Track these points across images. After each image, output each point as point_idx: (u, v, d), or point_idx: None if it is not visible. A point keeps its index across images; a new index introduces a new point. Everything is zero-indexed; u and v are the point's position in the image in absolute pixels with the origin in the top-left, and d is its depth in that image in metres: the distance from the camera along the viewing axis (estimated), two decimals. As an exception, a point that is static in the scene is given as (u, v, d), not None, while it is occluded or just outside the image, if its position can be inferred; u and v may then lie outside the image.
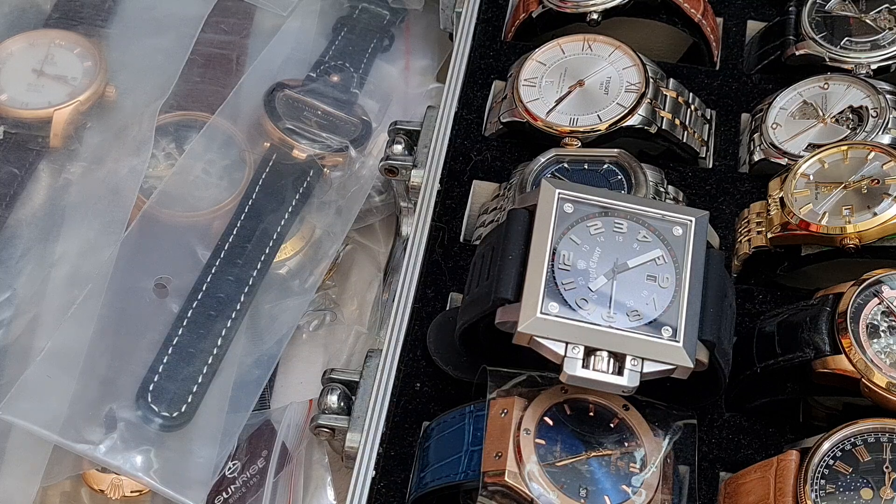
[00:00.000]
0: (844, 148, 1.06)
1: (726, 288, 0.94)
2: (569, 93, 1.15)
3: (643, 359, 0.87)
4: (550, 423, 0.90)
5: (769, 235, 1.05)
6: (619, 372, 0.87)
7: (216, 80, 1.31)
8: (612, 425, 0.91)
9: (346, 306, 1.25)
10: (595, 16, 1.19)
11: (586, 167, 1.09)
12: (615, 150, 1.09)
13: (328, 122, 1.29)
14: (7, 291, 1.14)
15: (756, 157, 1.13)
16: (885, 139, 1.08)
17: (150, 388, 1.08)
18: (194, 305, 1.14)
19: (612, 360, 0.87)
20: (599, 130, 1.12)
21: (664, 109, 1.14)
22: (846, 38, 1.17)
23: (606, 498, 0.88)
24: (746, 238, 1.07)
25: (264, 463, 1.10)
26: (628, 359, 0.87)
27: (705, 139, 1.17)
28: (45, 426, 1.05)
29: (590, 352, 0.87)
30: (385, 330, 1.06)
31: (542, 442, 0.89)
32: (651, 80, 1.14)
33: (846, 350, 0.92)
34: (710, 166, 1.16)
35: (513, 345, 0.89)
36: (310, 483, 1.11)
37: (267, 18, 1.38)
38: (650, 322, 0.89)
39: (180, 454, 1.06)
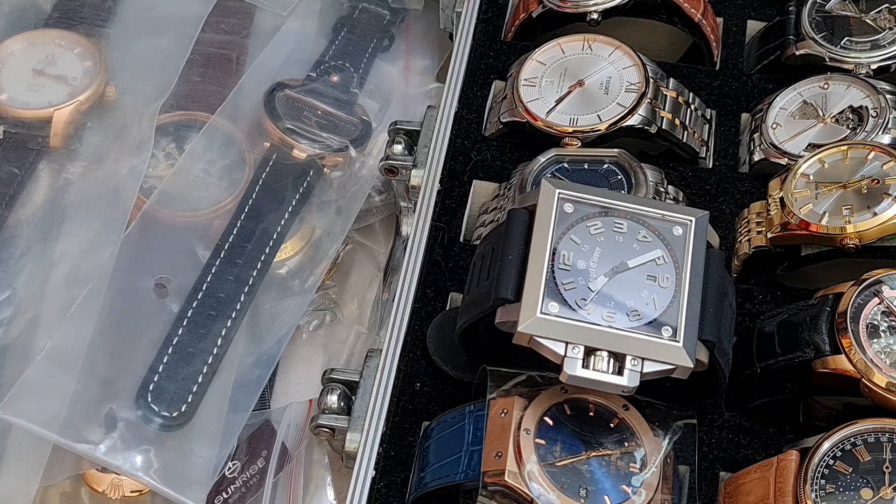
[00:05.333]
0: (844, 148, 1.06)
1: (726, 288, 0.94)
2: (569, 93, 1.15)
3: (643, 359, 0.87)
4: (550, 423, 0.90)
5: (769, 235, 1.05)
6: (619, 372, 0.87)
7: (216, 80, 1.31)
8: (612, 425, 0.91)
9: (346, 306, 1.25)
10: (595, 16, 1.19)
11: (586, 167, 1.09)
12: (615, 150, 1.09)
13: (328, 122, 1.29)
14: (7, 291, 1.14)
15: (756, 157, 1.13)
16: (885, 139, 1.08)
17: (150, 388, 1.08)
18: (194, 305, 1.14)
19: (612, 360, 0.87)
20: (599, 130, 1.12)
21: (664, 109, 1.14)
22: (846, 38, 1.17)
23: (606, 498, 0.88)
24: (746, 238, 1.07)
25: (264, 463, 1.10)
26: (628, 359, 0.87)
27: (705, 139, 1.17)
28: (44, 426, 1.05)
29: (590, 352, 0.87)
30: (385, 330, 1.06)
31: (542, 442, 0.89)
32: (651, 79, 1.14)
33: (846, 350, 0.92)
34: (710, 166, 1.16)
35: (513, 345, 0.89)
36: (310, 483, 1.11)
37: (267, 18, 1.38)
38: (650, 322, 0.89)
39: (180, 454, 1.06)
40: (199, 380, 1.10)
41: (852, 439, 0.89)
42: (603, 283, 0.90)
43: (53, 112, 1.24)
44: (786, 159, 1.11)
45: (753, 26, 1.26)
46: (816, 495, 0.87)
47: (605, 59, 1.16)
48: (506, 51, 1.25)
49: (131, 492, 1.08)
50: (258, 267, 1.18)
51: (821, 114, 1.13)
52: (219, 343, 1.12)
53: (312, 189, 1.25)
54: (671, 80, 1.17)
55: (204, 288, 1.15)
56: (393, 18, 1.41)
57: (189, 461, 1.06)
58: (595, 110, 1.13)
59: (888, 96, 1.11)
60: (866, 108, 1.11)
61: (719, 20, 1.26)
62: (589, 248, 0.91)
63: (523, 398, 0.91)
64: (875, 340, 0.92)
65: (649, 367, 0.87)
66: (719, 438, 0.98)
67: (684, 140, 1.14)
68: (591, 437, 0.91)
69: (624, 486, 0.89)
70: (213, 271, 1.16)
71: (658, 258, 0.92)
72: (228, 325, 1.14)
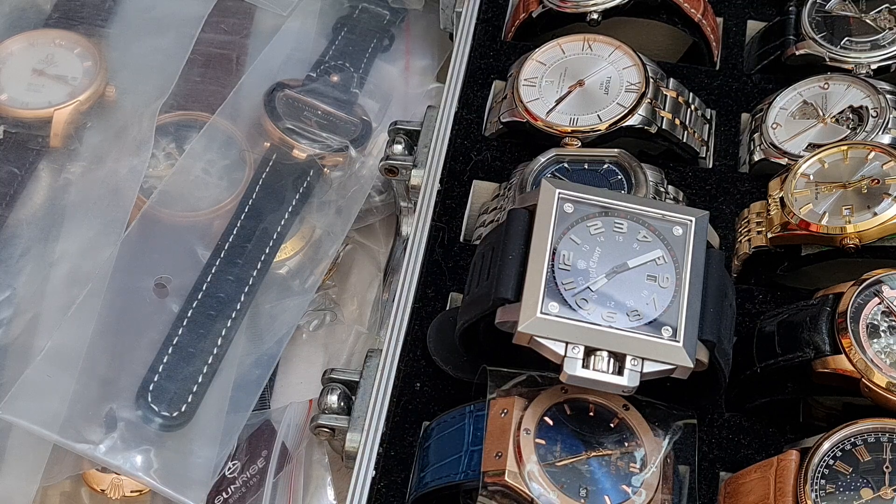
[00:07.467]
0: (844, 148, 1.06)
1: (726, 288, 0.94)
2: (569, 93, 1.15)
3: (643, 359, 0.87)
4: (550, 422, 0.90)
5: (769, 235, 1.05)
6: (619, 372, 0.87)
7: (216, 80, 1.32)
8: (612, 425, 0.91)
9: (346, 306, 1.25)
10: (595, 16, 1.19)
11: (586, 167, 1.09)
12: (615, 150, 1.09)
13: (328, 122, 1.29)
14: (7, 291, 1.14)
15: (756, 157, 1.13)
16: (885, 139, 1.08)
17: (150, 388, 1.08)
18: (194, 305, 1.14)
19: (612, 360, 0.87)
20: (599, 130, 1.12)
21: (664, 109, 1.14)
22: (846, 38, 1.17)
23: (606, 498, 0.88)
24: (746, 238, 1.07)
25: (264, 463, 1.10)
26: (628, 359, 0.87)
27: (705, 139, 1.17)
28: (44, 425, 1.05)
29: (590, 352, 0.87)
30: (385, 330, 1.06)
31: (542, 442, 0.89)
32: (651, 79, 1.14)
33: (846, 350, 0.92)
34: (710, 166, 1.16)
35: (513, 345, 0.89)
36: (310, 483, 1.11)
37: (267, 18, 1.39)
38: (650, 322, 0.89)
39: (180, 454, 1.06)
40: (199, 380, 1.10)
41: (852, 439, 0.89)
42: (603, 283, 0.90)
43: (53, 112, 1.24)
44: (786, 159, 1.11)
45: (753, 26, 1.26)
46: (816, 495, 0.87)
47: (605, 59, 1.16)
48: (506, 51, 1.25)
49: (131, 492, 1.08)
50: (258, 267, 1.18)
51: (821, 114, 1.13)
52: (219, 343, 1.12)
53: (312, 189, 1.25)
54: (671, 80, 1.17)
55: (204, 288, 1.15)
56: (393, 18, 1.41)
57: (189, 461, 1.06)
58: (595, 110, 1.13)
59: (888, 96, 1.11)
60: (866, 108, 1.11)
61: (719, 20, 1.26)
62: (589, 248, 0.91)
63: (523, 398, 0.91)
64: (875, 340, 0.92)
65: (649, 367, 0.87)
66: (719, 438, 0.98)
67: (684, 140, 1.14)
68: (591, 437, 0.91)
69: (624, 486, 0.89)
70: (213, 271, 1.16)
71: (658, 258, 0.92)
72: (228, 325, 1.14)
